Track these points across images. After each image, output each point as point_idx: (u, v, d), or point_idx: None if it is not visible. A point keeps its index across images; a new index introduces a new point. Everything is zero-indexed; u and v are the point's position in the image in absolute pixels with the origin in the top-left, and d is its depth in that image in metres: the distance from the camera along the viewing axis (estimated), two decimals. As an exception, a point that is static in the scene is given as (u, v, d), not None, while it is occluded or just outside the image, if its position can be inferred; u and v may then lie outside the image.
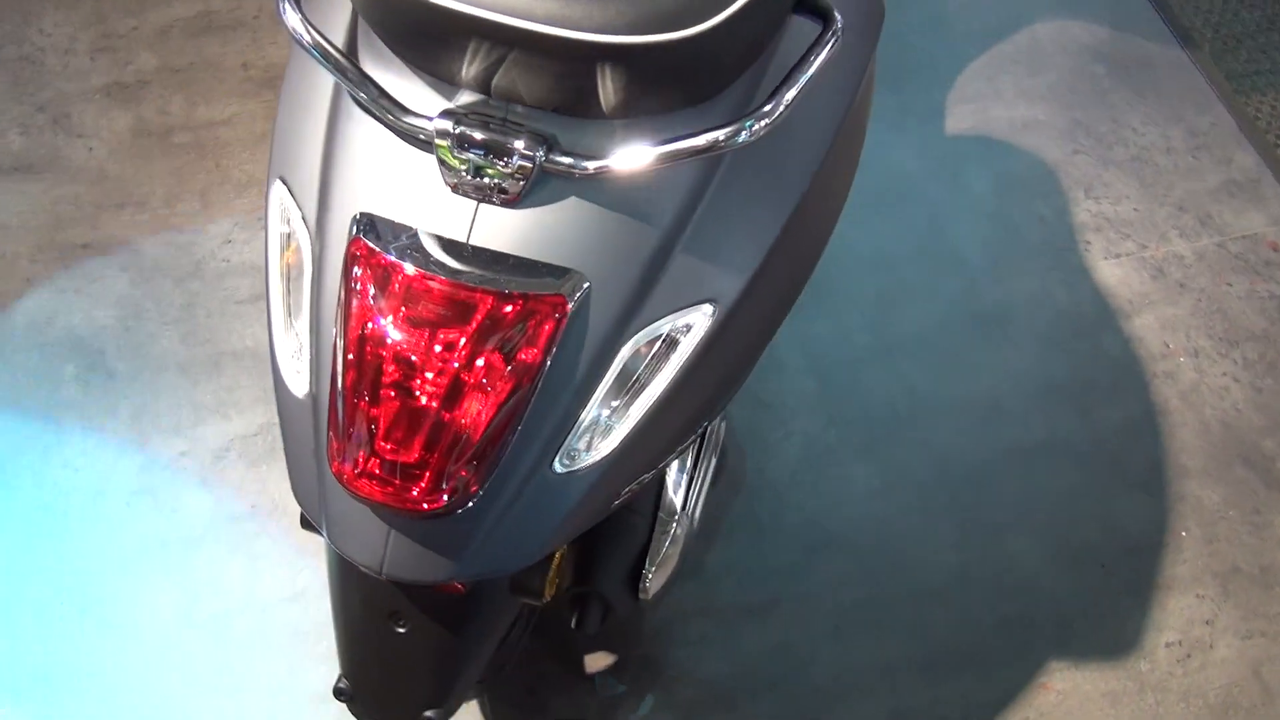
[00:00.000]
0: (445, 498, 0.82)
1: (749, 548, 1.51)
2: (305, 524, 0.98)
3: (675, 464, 1.20)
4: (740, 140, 0.80)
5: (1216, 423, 1.64)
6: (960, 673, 1.45)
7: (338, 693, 1.05)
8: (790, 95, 0.81)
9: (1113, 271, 1.79)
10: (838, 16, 0.88)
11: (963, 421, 1.63)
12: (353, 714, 1.06)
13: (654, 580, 1.14)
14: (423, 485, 0.82)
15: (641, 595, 1.14)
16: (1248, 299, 1.78)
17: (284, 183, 0.90)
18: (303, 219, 0.88)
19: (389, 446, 0.82)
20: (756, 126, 0.80)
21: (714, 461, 1.27)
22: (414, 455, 0.81)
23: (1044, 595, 1.51)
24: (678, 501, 1.17)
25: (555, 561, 1.00)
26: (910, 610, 1.49)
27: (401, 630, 0.98)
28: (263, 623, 1.41)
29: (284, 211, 0.90)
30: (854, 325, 1.69)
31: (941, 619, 1.48)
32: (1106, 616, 1.50)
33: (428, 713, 1.02)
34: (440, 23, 0.74)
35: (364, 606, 0.99)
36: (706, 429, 1.17)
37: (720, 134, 0.79)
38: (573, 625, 1.16)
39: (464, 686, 1.04)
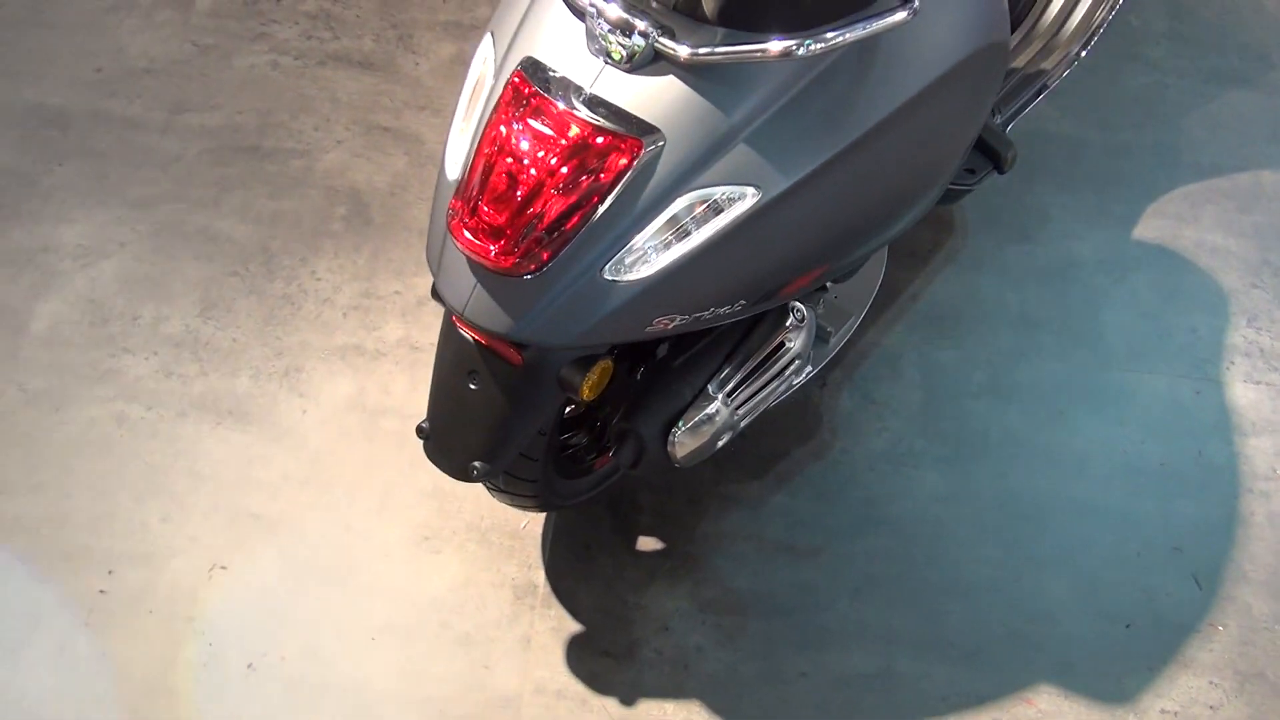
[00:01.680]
0: (515, 260, 1.13)
1: (810, 503, 1.73)
2: (434, 294, 1.31)
3: (740, 362, 1.44)
4: (791, 57, 1.07)
5: (1298, 551, 1.70)
6: (954, 662, 1.60)
7: (419, 430, 1.37)
8: (835, 37, 1.07)
9: (1246, 393, 1.88)
10: (916, 6, 1.12)
11: (1045, 468, 1.77)
12: (425, 453, 1.38)
13: (680, 441, 1.39)
14: (500, 245, 1.13)
15: (670, 449, 1.40)
16: (1379, 457, 1.81)
17: (491, 35, 1.25)
18: (494, 59, 1.22)
19: (487, 210, 1.13)
20: (801, 51, 1.07)
21: (777, 382, 1.49)
22: (501, 220, 1.13)
23: (1060, 629, 1.63)
24: (725, 389, 1.42)
25: (596, 371, 1.27)
26: (931, 598, 1.65)
27: (474, 388, 1.29)
28: (404, 426, 1.76)
29: (484, 53, 1.25)
30: (978, 363, 1.88)
31: (957, 614, 1.64)
32: (1113, 667, 1.60)
33: (475, 463, 1.32)
34: None
35: (452, 362, 1.30)
36: (756, 332, 1.41)
37: (775, 47, 1.07)
38: (611, 455, 1.43)
39: (508, 452, 1.33)
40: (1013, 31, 1.90)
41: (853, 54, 1.18)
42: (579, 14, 1.15)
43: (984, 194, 2.09)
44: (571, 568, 1.66)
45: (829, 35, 1.09)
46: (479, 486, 1.55)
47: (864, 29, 1.11)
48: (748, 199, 1.16)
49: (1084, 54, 1.93)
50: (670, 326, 1.23)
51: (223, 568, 1.65)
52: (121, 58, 2.25)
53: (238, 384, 1.83)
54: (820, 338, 1.80)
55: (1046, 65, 1.89)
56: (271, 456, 1.75)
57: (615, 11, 1.10)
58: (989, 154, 1.69)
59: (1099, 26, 1.92)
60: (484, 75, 1.24)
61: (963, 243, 2.06)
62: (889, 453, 1.79)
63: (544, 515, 1.70)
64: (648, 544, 1.69)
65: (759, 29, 1.10)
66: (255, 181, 2.07)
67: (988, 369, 1.90)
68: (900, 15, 1.13)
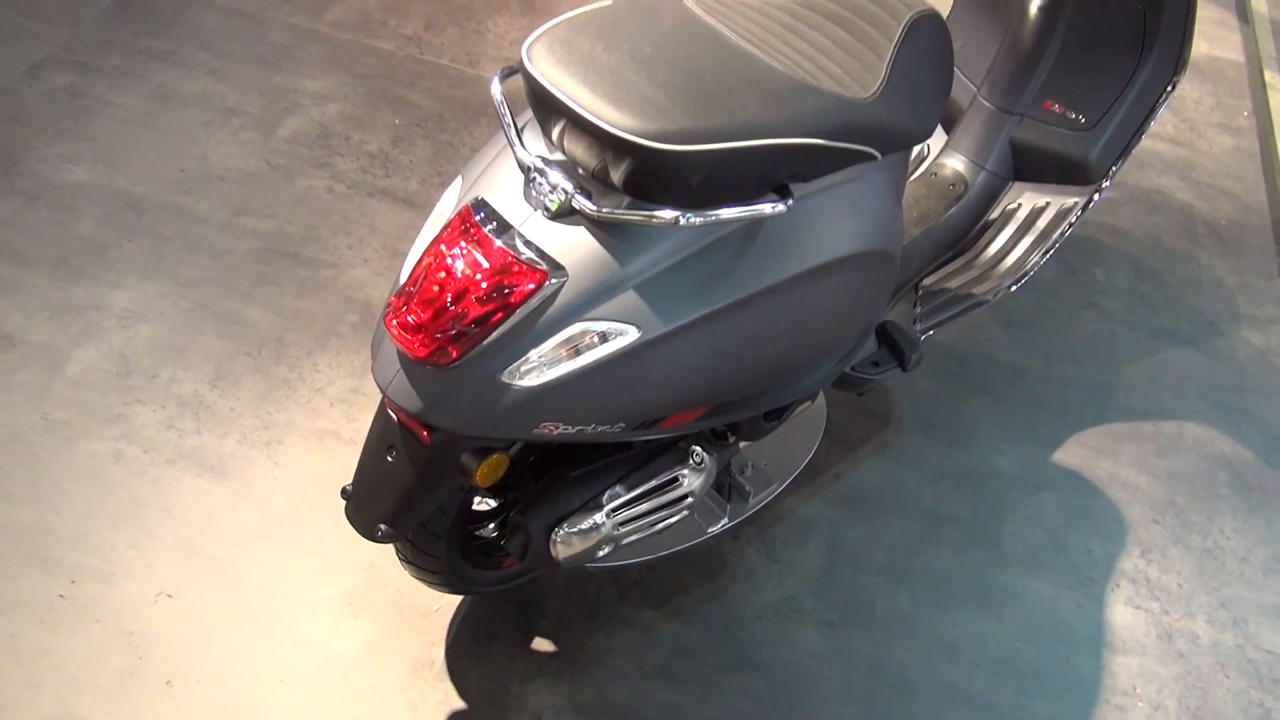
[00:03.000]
0: (430, 351, 1.38)
1: (696, 636, 1.93)
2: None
3: (633, 486, 1.66)
4: (677, 225, 1.33)
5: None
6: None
7: (343, 492, 1.61)
8: (713, 215, 1.34)
9: (1125, 615, 2.04)
10: (785, 206, 1.39)
11: (919, 647, 1.96)
12: (345, 512, 1.61)
13: (562, 541, 1.61)
14: (420, 339, 1.39)
15: (553, 546, 1.61)
16: (1237, 696, 1.95)
17: (462, 177, 1.55)
18: (458, 194, 1.51)
19: (416, 308, 1.40)
20: (684, 221, 1.34)
21: (666, 513, 1.70)
22: (425, 318, 1.39)
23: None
24: (612, 505, 1.63)
25: (492, 461, 1.50)
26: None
27: (390, 460, 1.54)
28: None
29: (453, 190, 1.54)
30: (882, 544, 2.09)
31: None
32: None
33: (382, 525, 1.55)
34: (538, 92, 1.35)
35: (377, 436, 1.56)
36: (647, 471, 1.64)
37: (664, 215, 1.33)
38: (503, 544, 1.66)
39: (410, 521, 1.56)
40: (956, 259, 2.18)
41: (737, 234, 1.44)
42: (524, 170, 1.44)
43: (921, 400, 2.32)
44: (469, 651, 1.86)
45: (708, 213, 1.35)
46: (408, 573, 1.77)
47: (738, 213, 1.38)
48: (629, 335, 1.41)
49: (1014, 288, 2.18)
50: (555, 433, 1.47)
51: (169, 595, 1.87)
52: (203, 164, 2.63)
53: (224, 445, 2.09)
54: (740, 496, 2.02)
55: (977, 290, 2.14)
56: (236, 510, 2.00)
57: (549, 173, 1.38)
58: (896, 352, 1.94)
59: (1031, 269, 2.17)
60: (447, 207, 1.53)
61: (894, 437, 2.27)
62: (779, 606, 1.98)
63: (457, 602, 1.91)
64: (542, 644, 1.89)
65: (656, 201, 1.37)
66: (287, 281, 2.39)
67: (889, 551, 2.08)
68: (773, 208, 1.39)
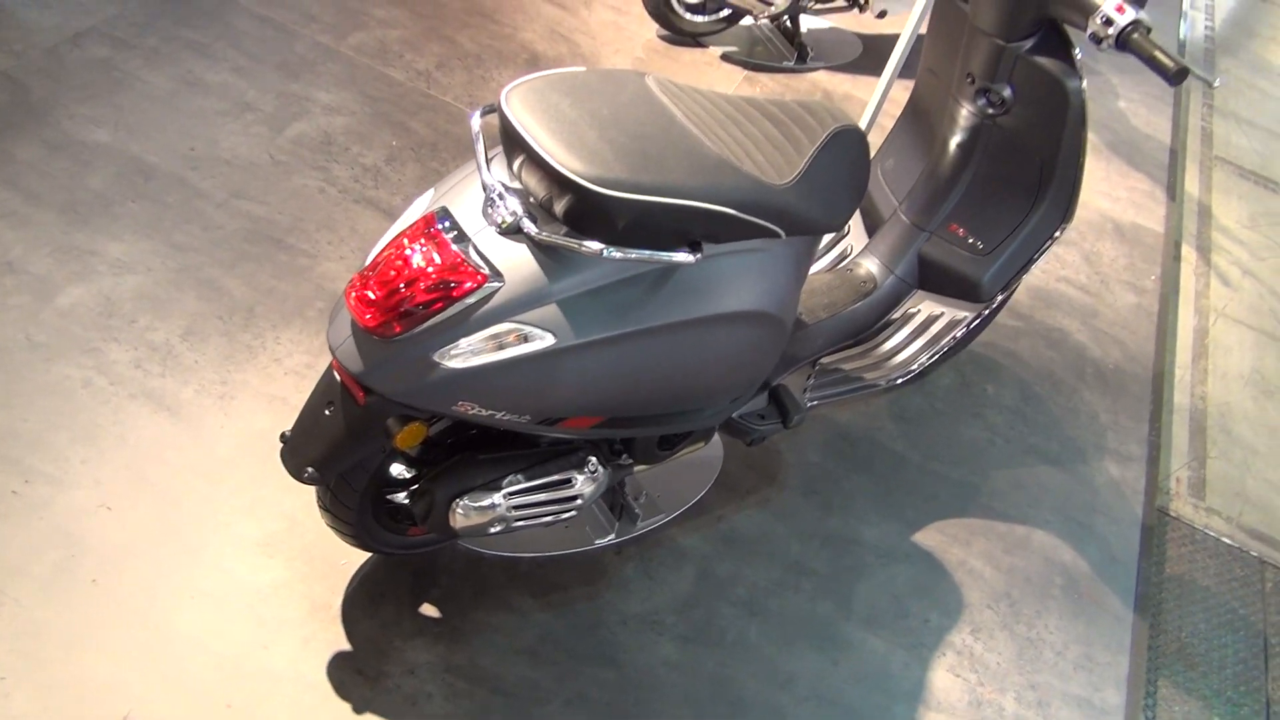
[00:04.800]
0: (378, 324, 1.64)
1: (565, 629, 2.15)
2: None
3: (532, 477, 1.91)
4: (600, 256, 1.60)
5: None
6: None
7: (281, 436, 1.86)
8: (631, 253, 1.61)
9: (945, 679, 2.30)
10: (693, 258, 1.67)
11: (760, 674, 2.20)
12: (280, 454, 1.85)
13: (460, 512, 1.85)
14: (372, 312, 1.64)
15: (451, 515, 1.86)
16: (1027, 764, 2.20)
17: (434, 189, 1.82)
18: (426, 203, 1.78)
19: (373, 286, 1.66)
20: (605, 254, 1.61)
21: (556, 508, 1.95)
22: (379, 295, 1.65)
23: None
24: (509, 489, 1.88)
25: (412, 428, 1.76)
26: (623, 727, 2.04)
27: (327, 413, 1.79)
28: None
29: (423, 199, 1.81)
30: (722, 582, 2.32)
31: None
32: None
33: (309, 468, 1.80)
34: (507, 129, 1.63)
35: (320, 391, 1.81)
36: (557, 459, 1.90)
37: (590, 246, 1.61)
38: (410, 504, 1.90)
39: (334, 469, 1.80)
40: (855, 347, 2.47)
41: (652, 273, 1.72)
42: (486, 191, 1.71)
43: (810, 468, 2.60)
44: (364, 604, 2.09)
45: (629, 251, 1.63)
46: (328, 533, 2.00)
47: (653, 256, 1.65)
48: (546, 341, 1.68)
49: (900, 381, 2.47)
50: (469, 412, 1.72)
51: (109, 508, 2.10)
52: (213, 147, 2.90)
53: (184, 391, 2.33)
54: (630, 517, 2.28)
55: (867, 377, 2.43)
56: (184, 447, 2.24)
57: (506, 197, 1.65)
58: (781, 411, 2.21)
59: (917, 368, 2.47)
60: (417, 210, 1.80)
61: (778, 495, 2.54)
62: (644, 617, 2.22)
63: (361, 560, 2.14)
64: (429, 610, 2.12)
65: (588, 234, 1.65)
66: (267, 262, 2.65)
67: (750, 588, 2.34)
68: (684, 258, 1.67)
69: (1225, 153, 4.65)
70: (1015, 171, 2.36)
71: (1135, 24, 1.92)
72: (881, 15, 4.01)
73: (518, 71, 3.55)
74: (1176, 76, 1.84)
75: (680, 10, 3.90)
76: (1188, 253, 3.95)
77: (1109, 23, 1.93)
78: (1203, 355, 3.54)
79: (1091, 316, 3.40)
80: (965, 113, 2.34)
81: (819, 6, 3.98)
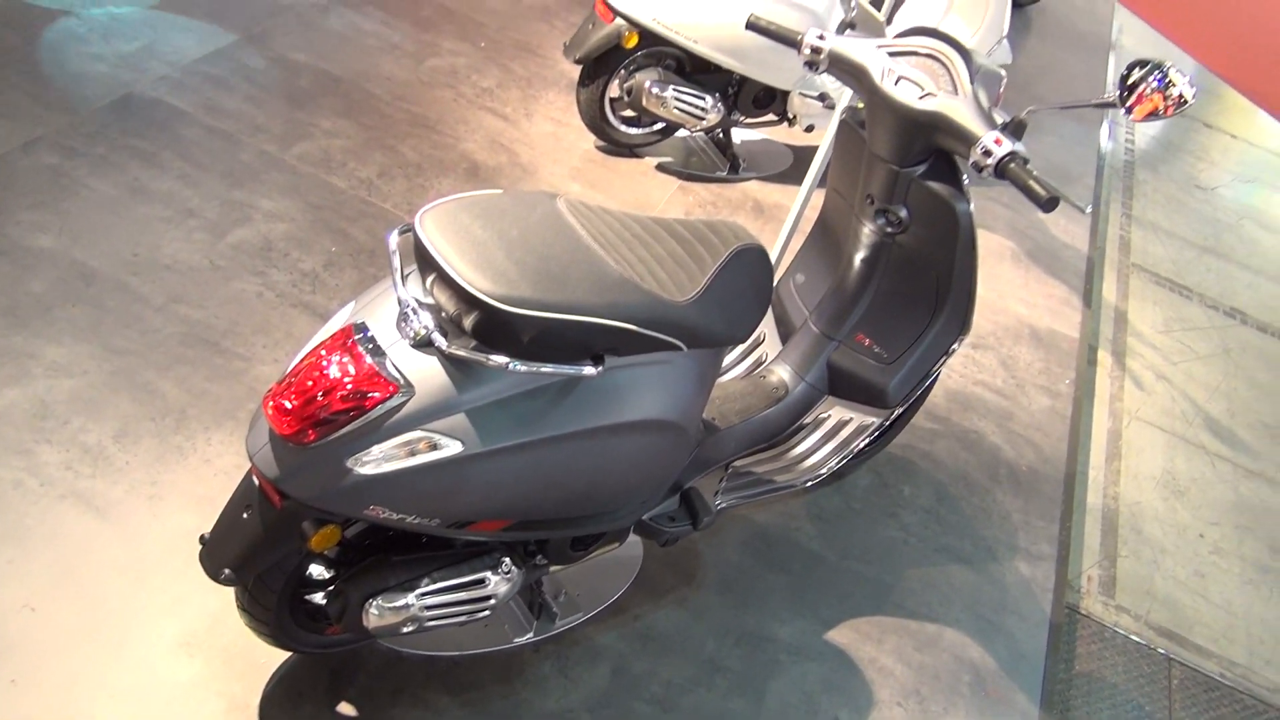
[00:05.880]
0: (293, 432, 1.73)
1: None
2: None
3: (445, 578, 1.99)
4: (506, 370, 1.71)
5: None
6: None
7: (200, 538, 1.93)
8: (536, 366, 1.72)
9: (852, 776, 2.36)
10: (595, 371, 1.78)
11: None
12: (199, 556, 1.92)
13: (373, 612, 1.92)
14: (288, 420, 1.74)
15: (364, 615, 1.93)
16: None
17: (355, 301, 1.92)
18: (345, 316, 1.89)
19: (290, 394, 1.75)
20: (510, 368, 1.72)
21: (470, 609, 2.02)
22: (296, 404, 1.74)
23: None
24: (421, 590, 1.96)
25: (326, 531, 1.84)
26: None
27: (245, 516, 1.87)
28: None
29: (344, 311, 1.91)
30: (659, 679, 2.40)
31: None
32: None
33: (226, 569, 1.87)
34: (420, 249, 1.75)
35: (239, 495, 1.89)
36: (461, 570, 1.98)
37: (496, 360, 1.71)
38: (325, 605, 1.97)
39: (251, 570, 1.87)
40: (767, 450, 2.58)
41: (556, 384, 1.82)
42: (401, 305, 1.82)
43: (728, 567, 2.68)
44: (282, 703, 2.14)
45: (533, 365, 1.73)
46: (247, 633, 2.06)
47: (557, 370, 1.76)
48: (454, 448, 1.77)
49: (810, 485, 2.57)
50: (381, 516, 1.81)
51: (32, 609, 2.15)
52: (155, 252, 3.00)
53: (113, 491, 2.40)
54: (548, 616, 2.36)
55: (778, 480, 2.54)
56: (110, 547, 2.29)
57: (419, 312, 1.76)
58: (691, 513, 2.31)
59: (826, 471, 2.58)
60: (337, 322, 1.91)
61: (695, 593, 2.63)
62: (559, 714, 2.28)
63: (280, 660, 2.20)
64: (346, 709, 2.18)
65: (495, 348, 1.75)
66: (203, 365, 2.73)
67: (665, 686, 2.41)
68: (587, 371, 1.78)
69: (1142, 260, 4.87)
70: (915, 286, 2.50)
71: (1012, 155, 2.07)
72: (809, 129, 4.21)
73: (458, 180, 3.69)
74: (1048, 204, 2.00)
75: (616, 123, 4.07)
76: (1104, 357, 4.12)
77: (988, 153, 2.09)
78: (1116, 456, 3.68)
79: (1007, 419, 3.54)
80: (867, 231, 2.49)
81: (750, 120, 4.17)
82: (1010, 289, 4.22)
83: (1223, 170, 6.08)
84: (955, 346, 2.54)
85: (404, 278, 1.81)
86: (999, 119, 2.18)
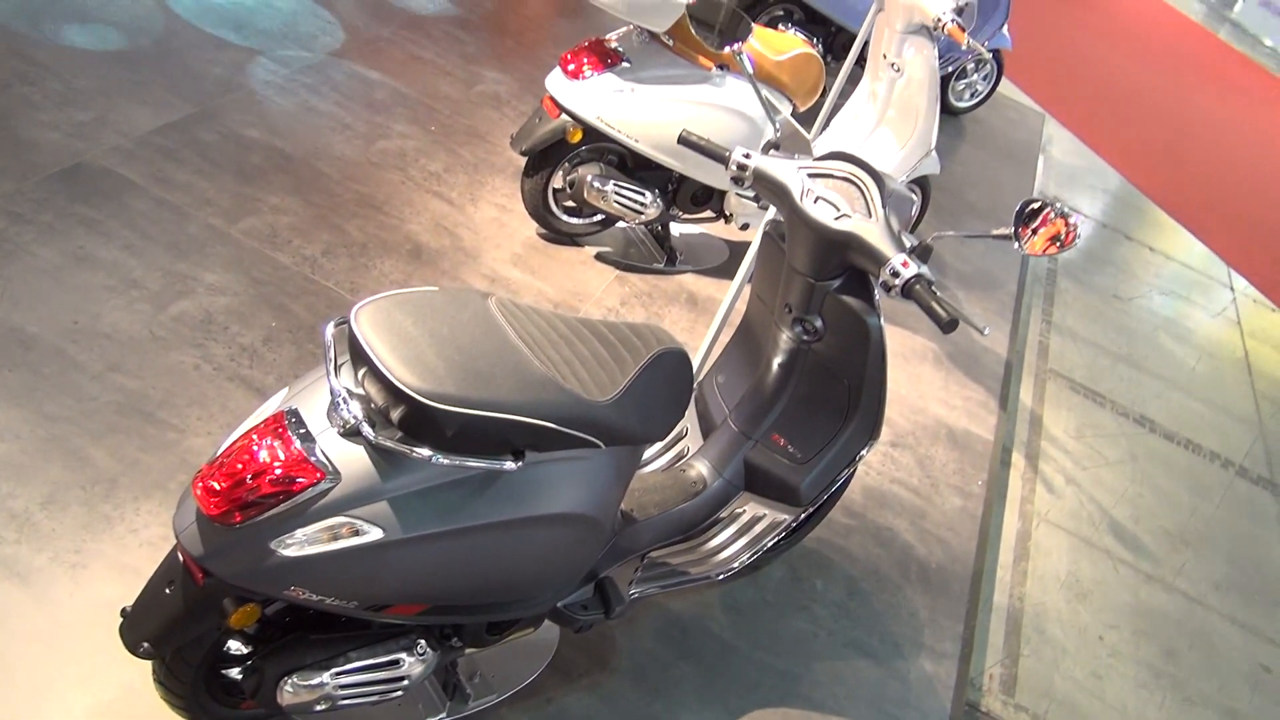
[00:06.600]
0: (220, 513, 1.80)
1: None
2: None
3: (361, 658, 2.05)
4: (430, 462, 1.80)
5: None
6: None
7: (122, 611, 1.98)
8: (459, 460, 1.81)
9: None
10: (515, 466, 1.88)
11: None
12: (119, 628, 1.97)
13: (287, 689, 1.98)
14: (215, 501, 1.81)
15: (279, 692, 1.99)
16: None
17: (289, 388, 2.01)
18: (279, 402, 1.97)
19: (219, 476, 1.83)
20: (433, 460, 1.81)
21: (384, 689, 2.09)
22: (224, 486, 1.82)
23: None
24: (336, 669, 2.02)
25: (246, 609, 1.90)
26: None
27: (168, 592, 1.93)
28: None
29: (279, 395, 2.00)
30: None
31: None
32: None
33: (145, 643, 1.92)
34: (353, 343, 1.84)
35: (163, 570, 1.95)
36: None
37: (420, 452, 1.80)
38: (241, 681, 2.02)
39: (169, 645, 1.93)
40: (683, 543, 2.68)
41: (478, 477, 1.91)
42: (333, 395, 1.90)
43: (642, 654, 2.77)
44: (191, 777, 2.17)
45: (455, 458, 1.82)
46: (161, 706, 2.10)
47: (478, 463, 1.85)
48: (375, 535, 1.85)
49: (721, 578, 2.67)
50: (300, 597, 1.88)
51: None
52: (96, 321, 3.06)
53: (37, 559, 2.44)
54: (461, 697, 2.42)
55: (692, 571, 2.64)
56: (29, 614, 2.33)
57: (350, 403, 1.85)
58: (605, 602, 2.40)
59: (738, 565, 2.68)
60: (270, 407, 1.99)
61: (608, 679, 2.70)
62: None
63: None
64: None
65: (420, 440, 1.84)
66: (136, 435, 2.78)
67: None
68: (507, 465, 1.88)
69: (1059, 366, 5.08)
70: (828, 392, 2.64)
71: (918, 277, 2.22)
72: (745, 227, 4.38)
73: (401, 261, 3.80)
74: (948, 326, 2.14)
75: (558, 213, 4.22)
76: (1017, 459, 4.29)
77: (896, 274, 2.24)
78: (1024, 557, 3.83)
79: (920, 517, 3.67)
80: (785, 337, 2.63)
81: (688, 216, 4.34)
82: (930, 390, 4.38)
83: (1141, 282, 6.37)
84: (864, 452, 2.67)
85: (337, 368, 1.90)
86: (908, 242, 2.33)
